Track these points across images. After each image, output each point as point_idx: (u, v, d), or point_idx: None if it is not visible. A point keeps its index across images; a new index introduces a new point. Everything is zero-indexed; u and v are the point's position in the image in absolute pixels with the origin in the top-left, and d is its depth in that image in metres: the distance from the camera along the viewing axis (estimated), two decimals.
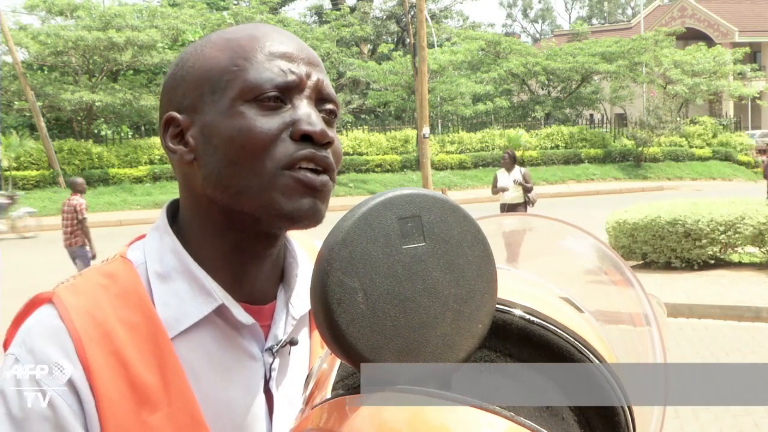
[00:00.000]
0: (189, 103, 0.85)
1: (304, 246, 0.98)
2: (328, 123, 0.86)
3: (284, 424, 0.86)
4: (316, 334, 0.92)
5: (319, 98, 0.86)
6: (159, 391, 0.80)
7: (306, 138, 0.82)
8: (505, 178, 10.33)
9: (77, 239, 8.88)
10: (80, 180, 9.35)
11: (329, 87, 0.87)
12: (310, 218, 0.83)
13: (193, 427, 0.80)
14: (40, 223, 17.43)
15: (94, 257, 8.75)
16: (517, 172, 10.29)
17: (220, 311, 0.85)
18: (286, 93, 0.83)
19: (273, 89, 0.82)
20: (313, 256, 0.97)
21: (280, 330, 0.88)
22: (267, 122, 0.81)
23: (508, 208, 10.23)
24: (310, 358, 0.91)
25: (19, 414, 0.77)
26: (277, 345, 0.87)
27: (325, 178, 0.83)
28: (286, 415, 0.86)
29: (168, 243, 0.87)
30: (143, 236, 0.90)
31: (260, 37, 0.85)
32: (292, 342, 0.88)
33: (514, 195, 10.20)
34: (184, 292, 0.84)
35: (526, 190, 10.16)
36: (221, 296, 0.84)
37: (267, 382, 0.87)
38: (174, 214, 0.91)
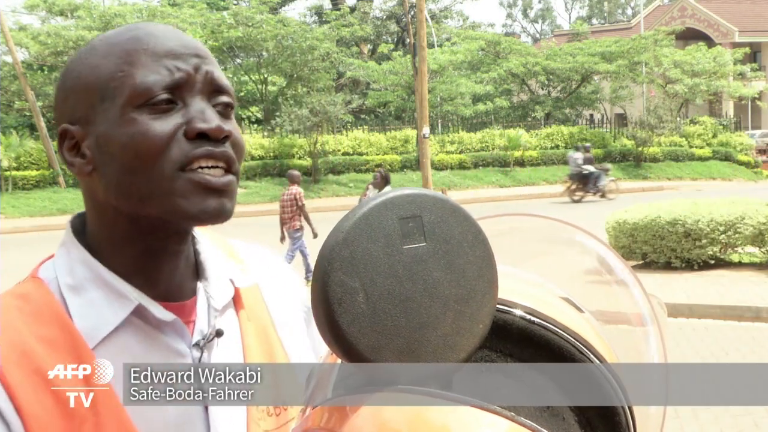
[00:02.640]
0: (81, 114, 0.83)
1: (209, 236, 0.96)
2: (225, 116, 0.84)
3: (221, 420, 0.84)
4: (244, 315, 0.91)
5: (212, 91, 0.84)
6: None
7: (202, 136, 0.80)
8: None
9: (295, 223, 9.97)
10: (297, 173, 10.52)
11: (222, 78, 0.85)
12: (216, 218, 0.81)
13: None
14: None
15: (315, 236, 9.40)
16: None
17: (139, 312, 0.83)
18: (176, 92, 0.81)
19: (162, 91, 0.80)
20: (219, 246, 0.95)
21: (204, 323, 0.87)
22: (160, 125, 0.80)
23: None
24: (242, 344, 0.90)
25: None
26: (203, 339, 0.86)
27: (227, 178, 0.82)
28: (222, 410, 0.84)
29: (76, 255, 0.85)
30: (53, 256, 0.88)
31: (142, 38, 0.83)
32: (219, 333, 0.87)
33: None
34: (99, 300, 0.83)
35: None
36: (137, 297, 0.83)
37: None
38: (80, 227, 0.89)
